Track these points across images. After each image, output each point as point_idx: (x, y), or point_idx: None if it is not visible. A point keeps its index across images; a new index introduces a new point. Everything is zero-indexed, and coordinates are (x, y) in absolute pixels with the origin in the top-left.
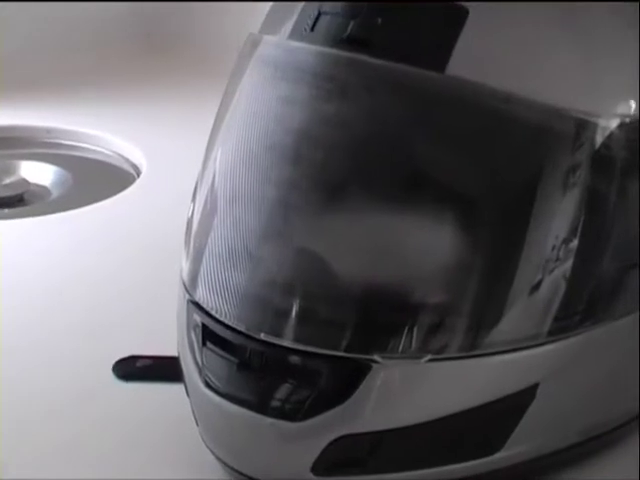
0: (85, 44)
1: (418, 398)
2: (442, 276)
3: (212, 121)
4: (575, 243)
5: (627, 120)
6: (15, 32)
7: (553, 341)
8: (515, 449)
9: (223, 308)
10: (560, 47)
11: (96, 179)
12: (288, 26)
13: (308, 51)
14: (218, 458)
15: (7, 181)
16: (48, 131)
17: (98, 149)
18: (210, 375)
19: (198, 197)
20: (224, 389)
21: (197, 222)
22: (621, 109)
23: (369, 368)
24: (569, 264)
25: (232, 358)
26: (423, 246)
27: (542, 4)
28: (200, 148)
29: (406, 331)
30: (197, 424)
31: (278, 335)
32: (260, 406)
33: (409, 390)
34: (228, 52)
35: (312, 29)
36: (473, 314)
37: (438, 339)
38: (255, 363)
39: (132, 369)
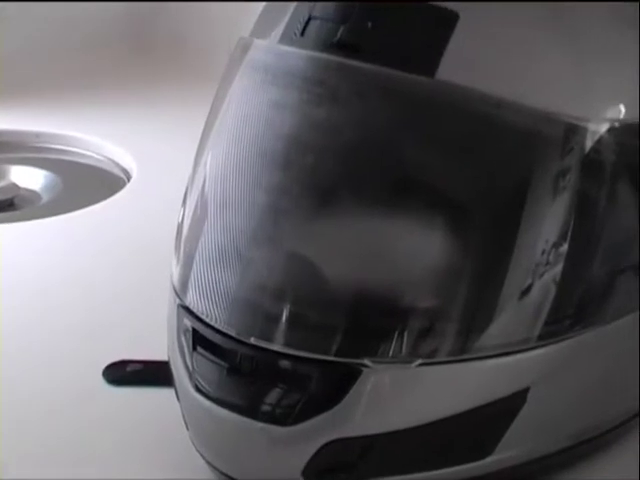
0: (74, 48)
1: (409, 402)
2: (432, 280)
3: (202, 125)
4: (565, 247)
5: (616, 124)
6: (5, 36)
7: (543, 345)
8: (506, 453)
9: (213, 312)
10: (550, 51)
11: (86, 183)
12: (278, 30)
13: (298, 56)
14: (208, 462)
15: None
16: (37, 135)
17: (88, 153)
18: (200, 379)
19: (188, 202)
20: (214, 393)
21: (187, 227)
22: (611, 113)
23: (359, 372)
24: (559, 268)
25: (222, 362)
26: (413, 251)
27: (533, 9)
28: (190, 152)
29: (396, 335)
30: (187, 428)
31: (268, 339)
32: (250, 410)
33: (400, 394)
34: (219, 56)
35: (302, 33)
36: (463, 318)
37: (428, 343)
38: (245, 368)
39: (122, 374)
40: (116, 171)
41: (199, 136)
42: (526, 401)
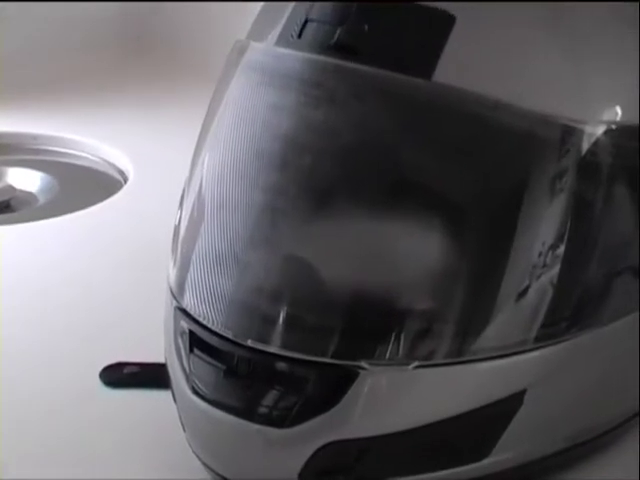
0: (73, 48)
1: (406, 405)
2: (429, 283)
3: (199, 127)
4: (562, 249)
5: (613, 126)
6: (5, 36)
7: (540, 347)
8: (503, 455)
9: (210, 315)
10: (549, 52)
11: (83, 185)
12: (275, 32)
13: (295, 58)
14: (205, 464)
15: None
16: (34, 137)
17: (85, 155)
18: (197, 382)
19: (185, 203)
20: (211, 395)
21: (184, 228)
22: (609, 115)
23: (356, 375)
24: (556, 270)
25: (219, 365)
26: (410, 253)
27: (533, 9)
28: (187, 154)
29: (393, 338)
30: (184, 430)
31: (265, 342)
32: (247, 413)
33: (397, 397)
34: (216, 57)
35: (299, 36)
36: (460, 320)
37: (425, 345)
38: (242, 370)
39: (119, 376)
40: (113, 173)
41: (196, 138)
42: (523, 403)
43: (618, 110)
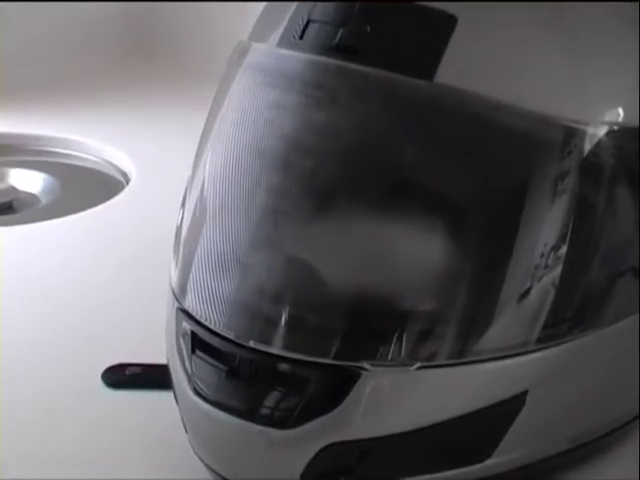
0: (74, 49)
1: (407, 406)
2: (431, 284)
3: (201, 128)
4: (564, 250)
5: (615, 128)
6: (5, 36)
7: (542, 348)
8: (505, 456)
9: (212, 316)
10: (548, 54)
11: (85, 186)
12: (277, 33)
13: (297, 59)
14: (207, 465)
15: None
16: (37, 138)
17: (87, 156)
18: (199, 383)
19: (187, 204)
20: (213, 396)
21: (186, 229)
22: (610, 115)
23: (358, 376)
24: (558, 271)
25: (221, 366)
26: (412, 254)
27: (531, 11)
28: (189, 155)
29: (395, 339)
30: (186, 431)
31: (267, 343)
32: (249, 414)
33: (398, 398)
34: (218, 58)
35: (301, 37)
36: (462, 321)
37: (427, 346)
38: (244, 371)
39: (121, 377)
40: (115, 174)
41: (198, 139)
42: (525, 404)
43: (619, 111)
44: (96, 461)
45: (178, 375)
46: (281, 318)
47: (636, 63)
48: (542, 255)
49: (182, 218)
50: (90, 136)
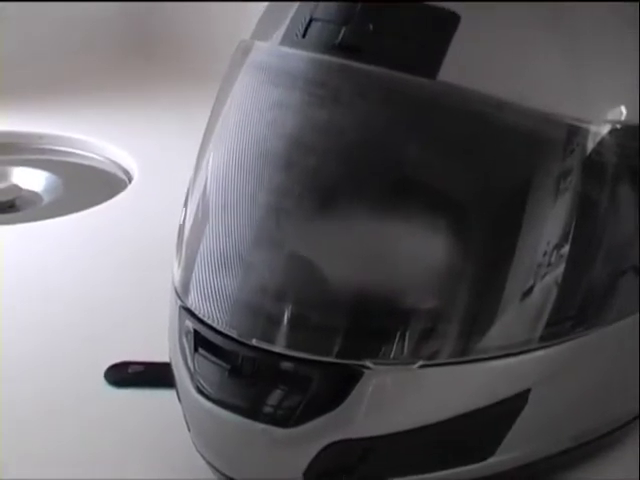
0: (75, 48)
1: (410, 404)
2: (434, 282)
3: (204, 127)
4: (567, 249)
5: (618, 126)
6: (6, 36)
7: (545, 347)
8: (507, 455)
9: (215, 314)
10: (551, 52)
11: (88, 185)
12: (280, 32)
13: (300, 57)
14: (210, 464)
15: None
16: (40, 137)
17: (90, 155)
18: (202, 381)
19: (190, 203)
20: (216, 395)
21: (189, 228)
22: (611, 114)
23: (361, 374)
24: (561, 270)
25: (224, 364)
26: (415, 252)
27: (534, 10)
28: (192, 154)
29: (398, 337)
30: (189, 430)
31: (270, 341)
32: (252, 412)
33: (401, 396)
34: (220, 57)
35: (304, 35)
36: (465, 320)
37: (430, 345)
38: (247, 369)
39: (124, 375)
40: (117, 172)
41: (200, 138)
42: (527, 402)
43: (621, 110)
44: (98, 460)
45: (181, 373)
46: (284, 316)
47: (636, 62)
48: (545, 253)
49: (185, 217)
50: (93, 135)
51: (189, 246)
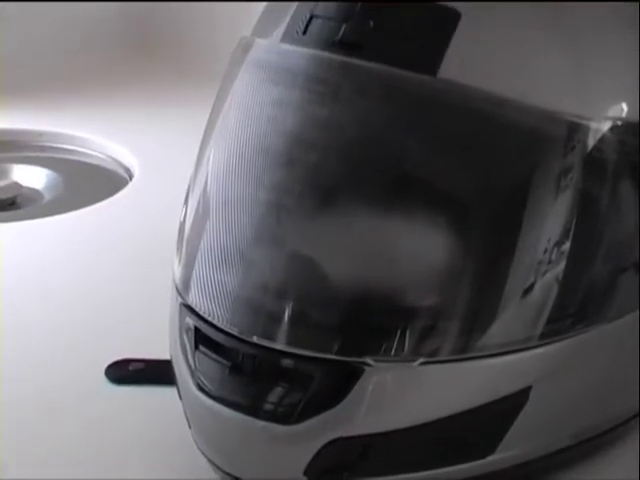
0: (76, 47)
1: (411, 401)
2: (435, 279)
3: (204, 124)
4: (567, 246)
5: (619, 122)
6: (6, 35)
7: (546, 344)
8: (508, 452)
9: (216, 311)
10: (552, 49)
11: (88, 182)
12: (280, 29)
13: (300, 54)
14: (210, 461)
15: None
16: (40, 134)
17: (90, 152)
18: (202, 378)
19: (190, 200)
20: (216, 392)
21: (189, 225)
22: (611, 112)
23: (362, 371)
24: (561, 267)
25: (224, 361)
26: (416, 249)
27: (534, 9)
28: (192, 151)
29: (398, 334)
30: (189, 427)
31: (271, 338)
32: (252, 409)
33: (402, 393)
34: (221, 55)
35: (304, 32)
36: (465, 317)
37: (430, 342)
38: (247, 366)
39: (124, 372)
40: (118, 170)
41: (201, 135)
42: (528, 400)
43: (622, 107)
44: (99, 457)
45: (181, 371)
46: (284, 314)
47: (636, 60)
48: (545, 250)
49: (185, 214)
50: (93, 132)
51: (190, 243)
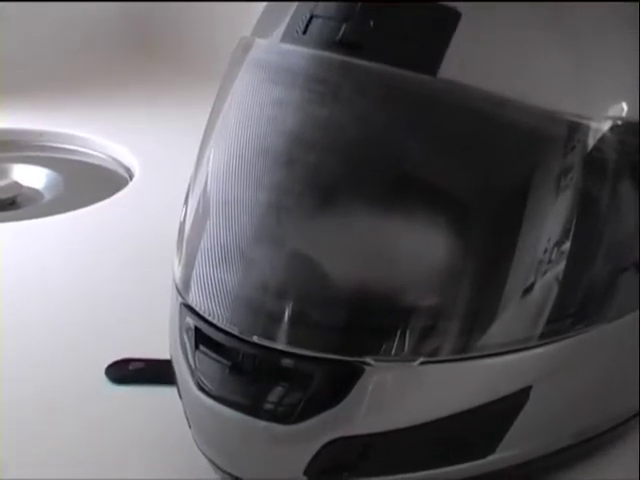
0: (77, 47)
1: (411, 401)
2: (435, 279)
3: (205, 124)
4: (567, 246)
5: (619, 122)
6: (6, 35)
7: (546, 344)
8: (508, 452)
9: (216, 311)
10: (552, 49)
11: (88, 182)
12: (280, 29)
13: (300, 54)
14: (211, 461)
15: None
16: (41, 134)
17: (91, 152)
18: (203, 378)
19: (190, 200)
20: (217, 392)
21: (189, 225)
22: (611, 112)
23: (362, 371)
24: (561, 267)
25: (225, 361)
26: (416, 249)
27: (534, 9)
28: (193, 151)
29: (399, 334)
30: (190, 427)
31: (271, 338)
32: (253, 409)
33: (402, 393)
34: (221, 55)
35: (304, 32)
36: (466, 317)
37: (431, 342)
38: (248, 366)
39: (125, 372)
40: (118, 169)
41: (201, 135)
42: (528, 400)
43: (622, 106)
44: (99, 459)
45: (182, 370)
46: (284, 313)
47: (636, 60)
48: (545, 250)
49: (185, 213)
50: (94, 132)
51: (190, 243)
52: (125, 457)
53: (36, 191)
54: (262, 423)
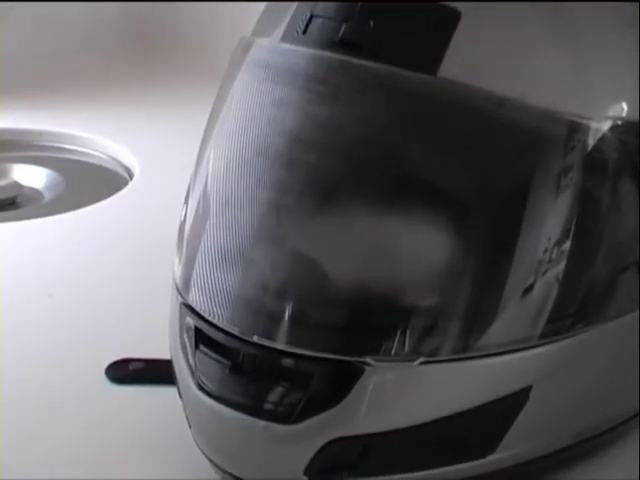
0: (76, 46)
1: (411, 401)
2: (435, 279)
3: (205, 124)
4: (567, 245)
5: (619, 122)
6: (6, 35)
7: (546, 343)
8: (508, 452)
9: (216, 311)
10: (552, 49)
11: (89, 182)
12: (280, 29)
13: (300, 54)
14: (211, 460)
15: None
16: (41, 134)
17: (91, 152)
18: (203, 378)
19: (190, 200)
20: (217, 392)
21: (189, 225)
22: (611, 112)
23: (362, 371)
24: (561, 266)
25: (225, 361)
26: (416, 249)
27: (533, 8)
28: (193, 151)
29: (399, 334)
30: (190, 427)
31: (271, 338)
32: (253, 409)
33: (402, 393)
34: (221, 54)
35: (304, 32)
36: (466, 317)
37: (431, 342)
38: (248, 366)
39: (125, 372)
40: (118, 169)
41: (201, 135)
42: (528, 400)
43: (622, 106)
44: (99, 459)
45: (182, 370)
46: (285, 313)
47: (636, 60)
48: (545, 250)
49: (185, 213)
50: (94, 131)
51: (190, 243)
52: (125, 457)
53: (36, 191)
54: (262, 423)
